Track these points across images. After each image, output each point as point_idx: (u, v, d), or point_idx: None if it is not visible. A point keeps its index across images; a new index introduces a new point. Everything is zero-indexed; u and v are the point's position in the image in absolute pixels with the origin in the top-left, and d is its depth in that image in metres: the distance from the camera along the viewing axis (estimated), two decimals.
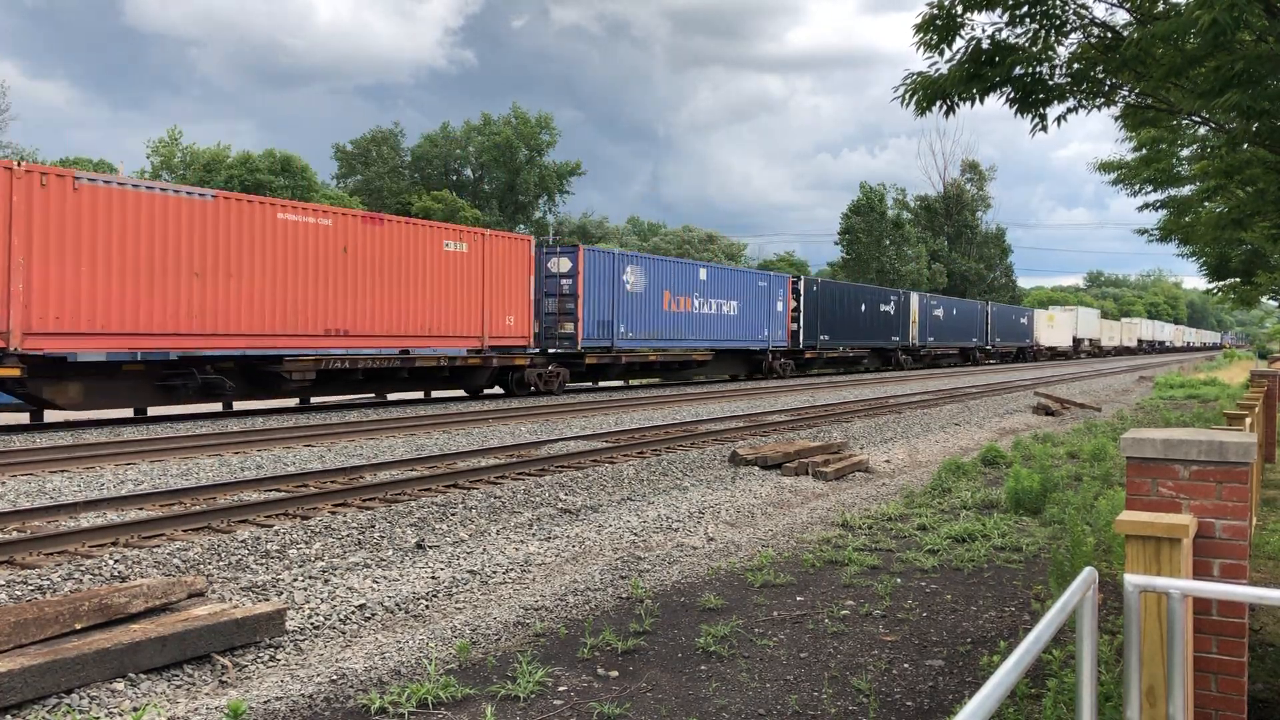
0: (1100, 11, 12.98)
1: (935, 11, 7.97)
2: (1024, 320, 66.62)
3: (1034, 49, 7.96)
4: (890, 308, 45.39)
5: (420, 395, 23.85)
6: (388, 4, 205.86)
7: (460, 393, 24.24)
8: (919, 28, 8.08)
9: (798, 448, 13.30)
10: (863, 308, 42.40)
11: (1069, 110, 8.97)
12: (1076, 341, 75.05)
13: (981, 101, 8.44)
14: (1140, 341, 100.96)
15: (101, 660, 4.83)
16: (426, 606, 6.64)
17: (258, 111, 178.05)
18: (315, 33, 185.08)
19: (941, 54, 8.19)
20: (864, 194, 75.42)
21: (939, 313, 51.75)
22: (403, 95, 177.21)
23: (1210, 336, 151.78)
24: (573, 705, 4.43)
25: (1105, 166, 19.21)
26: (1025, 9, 7.73)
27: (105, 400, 16.33)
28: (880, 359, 46.00)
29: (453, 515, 9.17)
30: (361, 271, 19.47)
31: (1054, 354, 71.19)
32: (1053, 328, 70.52)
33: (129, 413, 18.01)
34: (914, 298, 48.50)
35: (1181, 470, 3.39)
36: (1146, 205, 20.07)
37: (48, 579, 6.60)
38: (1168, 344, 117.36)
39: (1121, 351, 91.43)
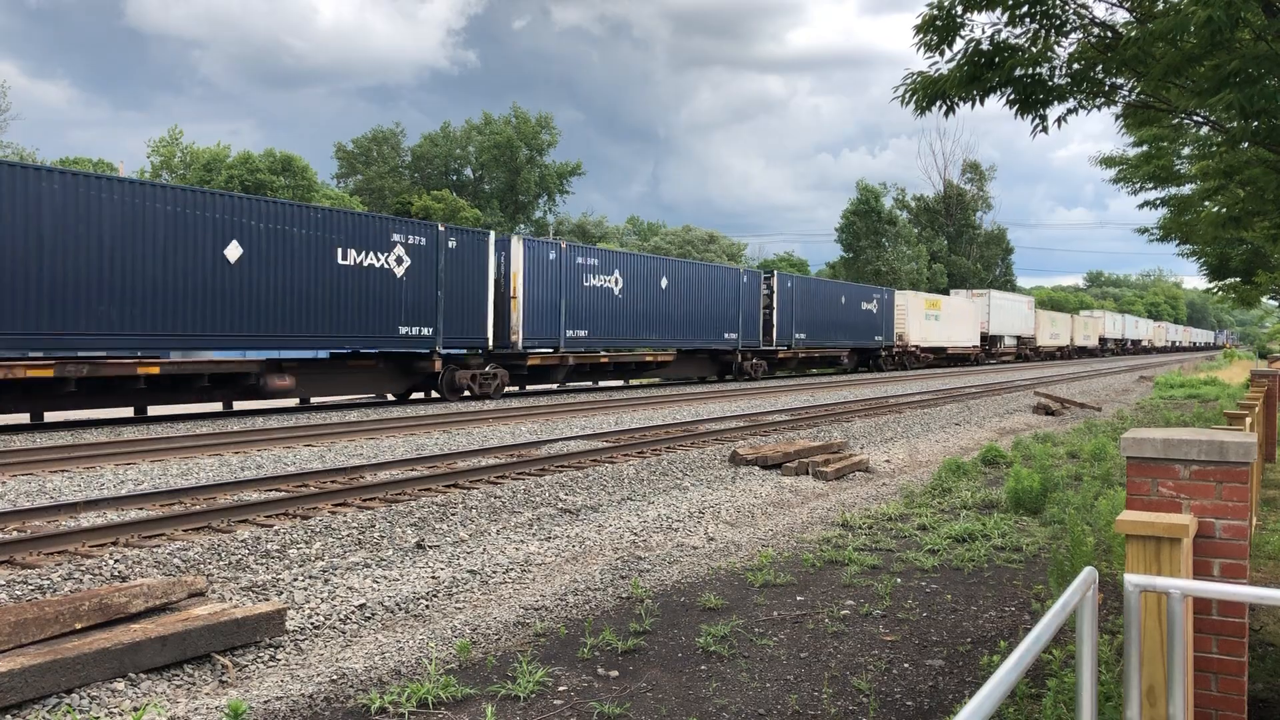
0: (1100, 11, 12.99)
1: (935, 12, 7.99)
2: (869, 306, 40.44)
3: (1034, 49, 7.97)
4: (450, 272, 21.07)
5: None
6: (390, 5, 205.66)
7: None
8: (919, 28, 8.09)
9: (798, 447, 13.29)
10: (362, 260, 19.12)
11: (1069, 111, 8.98)
12: (989, 340, 53.54)
13: (982, 103, 8.47)
14: (1104, 340, 78.34)
15: (101, 660, 4.83)
16: (426, 606, 6.64)
17: (259, 111, 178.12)
18: (318, 34, 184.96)
19: (942, 54, 8.21)
20: (861, 193, 75.42)
21: (611, 280, 25.43)
22: (405, 96, 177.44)
23: (1201, 335, 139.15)
24: (573, 705, 4.43)
25: (1107, 161, 19.28)
26: (1025, 9, 7.74)
27: None
28: (396, 377, 21.16)
29: (453, 515, 9.17)
30: None
31: (951, 360, 48.44)
32: (938, 321, 46.37)
33: (129, 412, 18.01)
34: (537, 250, 23.45)
35: (1182, 470, 3.39)
36: (1147, 203, 20.12)
37: (48, 579, 6.60)
38: (1144, 344, 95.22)
39: (1072, 354, 68.73)
